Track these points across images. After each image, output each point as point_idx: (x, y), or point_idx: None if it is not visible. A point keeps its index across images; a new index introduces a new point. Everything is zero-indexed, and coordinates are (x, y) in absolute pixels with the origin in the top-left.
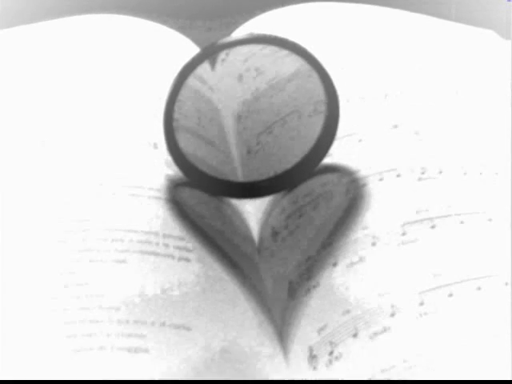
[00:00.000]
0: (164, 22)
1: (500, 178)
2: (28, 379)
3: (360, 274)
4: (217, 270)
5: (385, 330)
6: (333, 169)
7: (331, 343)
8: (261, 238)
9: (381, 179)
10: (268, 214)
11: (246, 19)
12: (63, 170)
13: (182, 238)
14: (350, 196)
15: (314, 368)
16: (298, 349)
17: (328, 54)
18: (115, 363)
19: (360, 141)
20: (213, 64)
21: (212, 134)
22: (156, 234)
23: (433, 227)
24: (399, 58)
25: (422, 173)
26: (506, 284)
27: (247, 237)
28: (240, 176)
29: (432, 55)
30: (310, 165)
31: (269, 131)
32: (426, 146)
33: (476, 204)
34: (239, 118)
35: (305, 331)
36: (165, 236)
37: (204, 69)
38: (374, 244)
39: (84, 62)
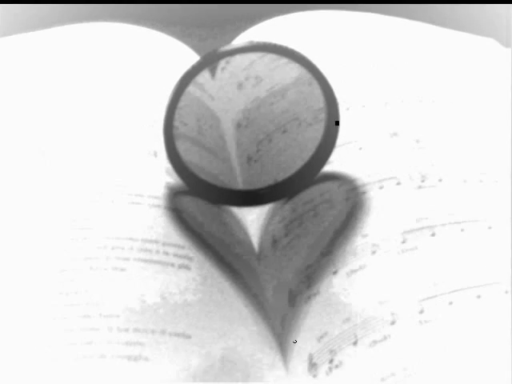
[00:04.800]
0: (164, 30)
1: (500, 186)
2: None
3: (360, 281)
4: (217, 278)
5: (385, 337)
6: (333, 177)
7: (331, 351)
8: (261, 246)
9: (381, 187)
10: (268, 222)
11: (246, 27)
12: (63, 178)
13: (182, 246)
14: (350, 204)
15: (314, 376)
16: (298, 357)
17: (328, 61)
18: (115, 371)
19: (360, 149)
20: (213, 72)
21: (212, 142)
22: (156, 242)
23: (433, 235)
24: (399, 66)
25: (422, 181)
26: (506, 292)
27: (247, 245)
28: (240, 184)
29: (432, 63)
30: (310, 173)
31: (269, 139)
32: (425, 154)
33: (476, 212)
34: (239, 125)
35: (305, 339)
36: (165, 244)
37: (204, 77)
38: (374, 252)
39: (83, 70)
